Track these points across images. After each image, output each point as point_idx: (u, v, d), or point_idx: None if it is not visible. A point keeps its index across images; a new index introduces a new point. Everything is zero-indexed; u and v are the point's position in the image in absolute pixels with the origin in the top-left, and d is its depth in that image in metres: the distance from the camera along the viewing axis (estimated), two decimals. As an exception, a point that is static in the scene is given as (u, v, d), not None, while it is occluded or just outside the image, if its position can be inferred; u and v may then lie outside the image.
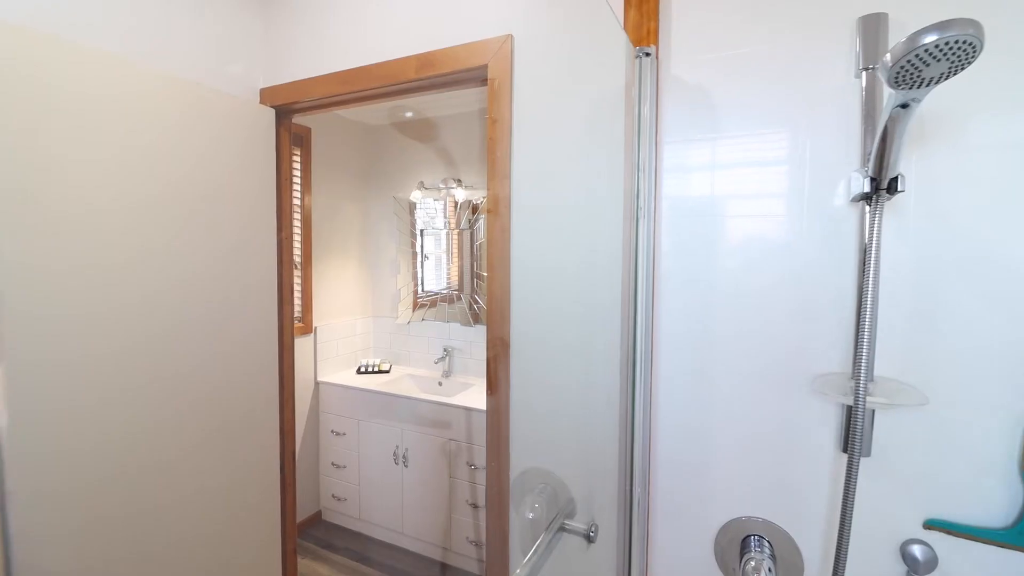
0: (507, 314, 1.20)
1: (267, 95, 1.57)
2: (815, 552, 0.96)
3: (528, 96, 1.16)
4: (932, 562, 0.86)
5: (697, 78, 1.01)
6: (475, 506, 2.53)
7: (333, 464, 2.99)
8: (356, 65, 1.39)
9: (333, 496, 3.00)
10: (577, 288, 1.16)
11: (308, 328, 2.93)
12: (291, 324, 1.67)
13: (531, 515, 1.10)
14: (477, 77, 1.23)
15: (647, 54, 0.99)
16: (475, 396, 2.70)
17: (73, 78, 1.10)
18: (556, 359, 1.17)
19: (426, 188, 3.12)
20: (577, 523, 1.03)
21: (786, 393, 0.97)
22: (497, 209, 1.19)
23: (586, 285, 1.14)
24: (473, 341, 3.08)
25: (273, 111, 1.57)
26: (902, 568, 0.89)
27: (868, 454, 0.90)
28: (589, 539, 1.02)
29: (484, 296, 3.00)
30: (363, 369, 3.16)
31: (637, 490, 1.04)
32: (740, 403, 1.01)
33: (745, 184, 0.98)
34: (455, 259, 3.12)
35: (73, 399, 1.11)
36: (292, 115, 1.62)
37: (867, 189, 0.79)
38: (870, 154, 0.80)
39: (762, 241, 0.97)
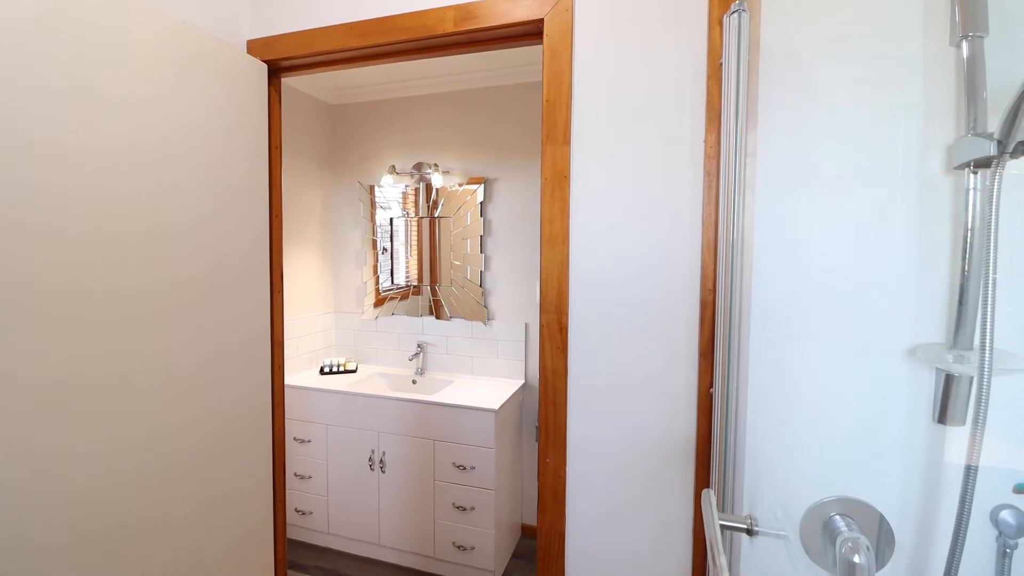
0: (565, 294, 1.09)
1: (256, 48, 1.35)
2: (907, 526, 0.94)
3: (591, 57, 1.06)
4: (1024, 526, 0.87)
5: (788, 42, 0.96)
6: (462, 509, 2.39)
7: (296, 475, 2.71)
8: (375, 15, 1.22)
9: (296, 510, 2.73)
10: (642, 264, 1.07)
11: (266, 325, 2.64)
12: (281, 317, 1.45)
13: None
14: (529, 33, 1.11)
15: (739, 11, 0.93)
16: (458, 392, 2.55)
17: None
18: (617, 343, 1.09)
19: (397, 173, 2.92)
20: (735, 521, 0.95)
21: (874, 365, 0.95)
22: (555, 179, 1.08)
23: (655, 261, 1.06)
24: (449, 335, 2.92)
25: (265, 67, 1.35)
26: (993, 532, 0.90)
27: (963, 423, 0.90)
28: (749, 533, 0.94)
29: (462, 288, 2.86)
30: (327, 369, 2.90)
31: (728, 492, 0.97)
32: (826, 379, 0.97)
33: (836, 153, 0.95)
34: (428, 249, 2.94)
35: (32, 407, 0.87)
36: (285, 74, 1.41)
37: (993, 152, 0.77)
38: (974, 121, 0.79)
39: (851, 210, 0.94)
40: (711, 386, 1.00)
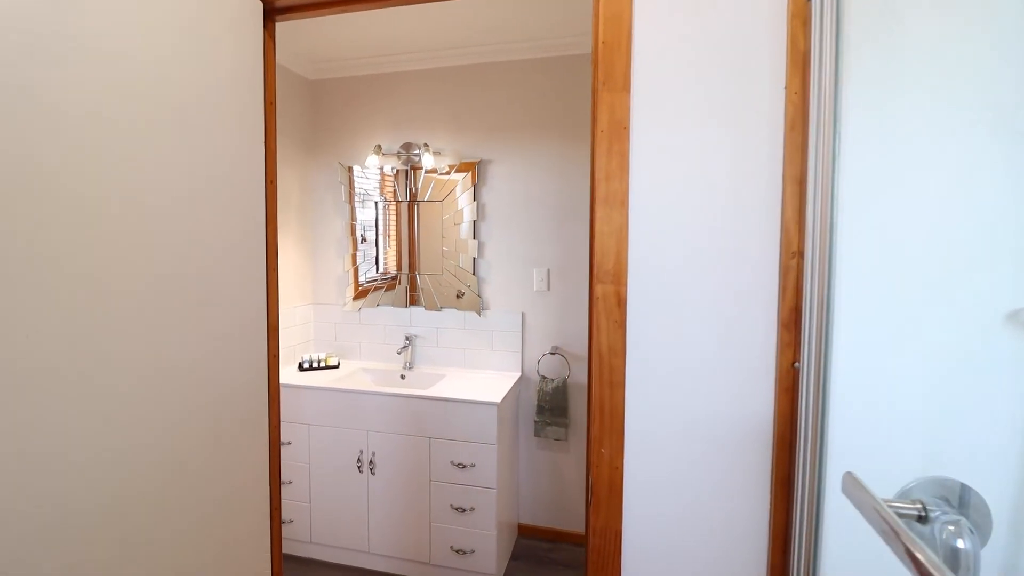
0: (624, 262, 0.96)
1: (247, -17, 1.16)
2: (1002, 502, 0.87)
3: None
4: None
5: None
6: (461, 510, 2.24)
7: (274, 480, 2.48)
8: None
9: (275, 519, 2.49)
10: (712, 226, 0.96)
11: (239, 317, 2.40)
12: (277, 299, 1.27)
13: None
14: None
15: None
16: (453, 386, 2.39)
17: None
18: (682, 316, 0.97)
19: (384, 153, 2.72)
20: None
21: (974, 331, 0.86)
22: (613, 131, 0.95)
23: (727, 223, 0.95)
24: (440, 327, 2.75)
25: (260, 4, 1.16)
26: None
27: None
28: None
29: (453, 276, 2.69)
30: (307, 365, 2.68)
31: (804, 480, 0.87)
32: (923, 348, 0.88)
33: (932, 101, 0.86)
34: (417, 235, 2.76)
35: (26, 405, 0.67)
36: (279, 16, 1.22)
37: None
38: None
39: (948, 162, 0.86)
40: (794, 361, 0.89)
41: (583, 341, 2.55)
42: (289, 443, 2.45)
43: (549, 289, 2.59)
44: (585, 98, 2.47)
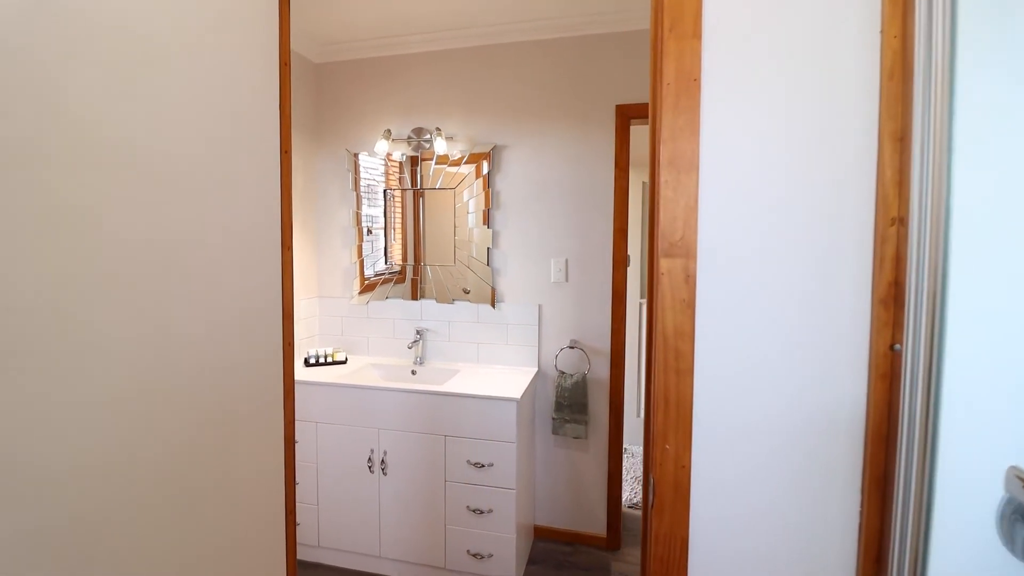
0: (692, 233, 0.85)
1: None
2: None
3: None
4: None
5: None
6: (478, 512, 2.12)
7: (280, 481, 2.35)
8: None
9: (280, 522, 2.37)
10: (792, 194, 0.85)
11: (243, 310, 2.28)
12: (291, 281, 1.15)
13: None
14: None
15: None
16: (468, 382, 2.28)
17: None
18: (758, 293, 0.85)
19: (393, 139, 2.60)
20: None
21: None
22: (681, 84, 0.84)
23: (807, 191, 0.84)
24: (452, 320, 2.64)
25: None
26: None
27: None
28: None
29: (466, 267, 2.58)
30: (313, 361, 2.56)
31: (905, 467, 0.76)
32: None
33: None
34: (427, 225, 2.65)
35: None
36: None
37: None
38: None
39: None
40: (894, 343, 0.78)
41: (603, 334, 2.44)
42: (296, 442, 2.32)
43: (567, 280, 2.47)
44: (605, 80, 2.35)
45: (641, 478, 3.18)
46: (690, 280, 0.85)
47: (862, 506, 0.84)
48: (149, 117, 0.79)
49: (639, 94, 2.32)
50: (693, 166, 0.84)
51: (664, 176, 0.85)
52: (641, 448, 3.62)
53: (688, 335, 0.86)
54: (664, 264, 0.86)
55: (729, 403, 0.87)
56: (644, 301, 3.69)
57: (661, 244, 0.86)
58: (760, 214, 0.84)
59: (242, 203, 0.98)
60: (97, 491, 0.72)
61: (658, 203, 0.87)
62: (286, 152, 1.12)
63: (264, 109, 1.04)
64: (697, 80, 0.84)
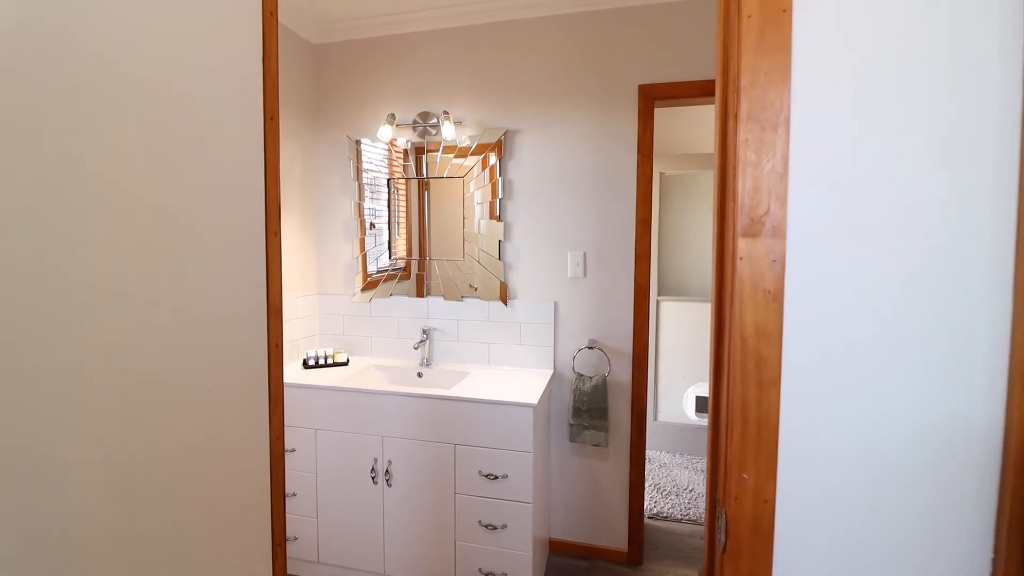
0: (782, 207, 0.67)
1: None
2: None
3: None
4: None
5: None
6: (491, 528, 1.95)
7: (276, 492, 2.19)
8: None
9: (277, 535, 2.20)
10: (905, 151, 0.66)
11: (236, 308, 2.11)
12: (279, 272, 0.98)
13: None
14: None
15: None
16: (479, 385, 2.10)
17: None
18: (862, 280, 0.67)
19: (397, 124, 2.43)
20: None
21: None
22: (766, 15, 0.66)
23: (929, 147, 0.65)
24: (461, 319, 2.46)
25: None
26: None
27: None
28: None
29: (476, 262, 2.40)
30: (312, 362, 2.39)
31: None
32: None
33: None
34: (437, 217, 2.47)
35: None
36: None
37: None
38: None
39: None
40: (1053, 344, 0.59)
41: (624, 333, 2.26)
42: (293, 450, 2.16)
43: (585, 275, 2.29)
44: (627, 59, 2.17)
45: (660, 486, 3.00)
46: (778, 266, 0.67)
47: (1004, 547, 0.65)
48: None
49: (665, 72, 2.14)
50: (782, 120, 0.66)
51: (743, 134, 0.67)
52: (657, 453, 3.43)
53: (774, 336, 0.68)
54: (743, 246, 0.68)
55: (824, 423, 0.69)
56: (661, 299, 3.51)
57: (740, 221, 0.68)
58: (867, 176, 0.66)
59: (214, 176, 0.81)
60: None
61: (734, 168, 0.69)
62: (272, 119, 0.94)
63: (243, 63, 0.87)
64: (787, 11, 0.66)
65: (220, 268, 0.81)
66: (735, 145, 0.69)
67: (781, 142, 0.66)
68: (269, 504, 0.91)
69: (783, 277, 0.67)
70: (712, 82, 2.05)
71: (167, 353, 0.72)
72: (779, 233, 0.67)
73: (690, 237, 3.74)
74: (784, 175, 0.67)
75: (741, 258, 0.68)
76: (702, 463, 3.36)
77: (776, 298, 0.67)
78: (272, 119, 0.93)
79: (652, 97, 2.15)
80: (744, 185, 0.68)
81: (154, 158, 0.70)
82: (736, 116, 0.68)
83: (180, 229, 0.74)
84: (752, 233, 0.68)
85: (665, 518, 2.72)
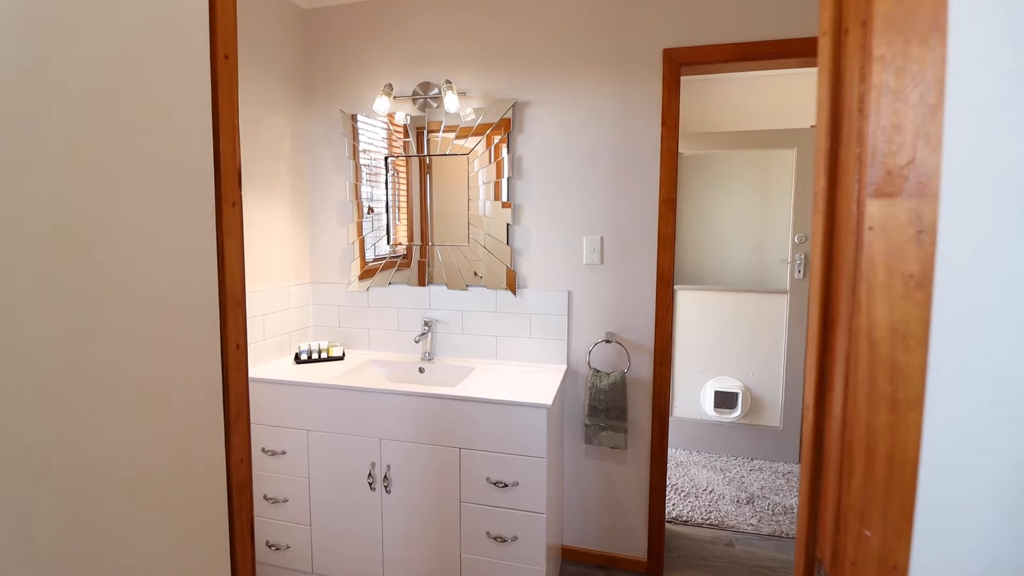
0: (937, 151, 0.46)
1: None
2: None
3: None
4: None
5: None
6: (500, 540, 1.77)
7: (267, 498, 2.02)
8: None
9: (268, 544, 2.04)
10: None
11: (219, 298, 1.92)
12: (240, 250, 0.78)
13: None
14: None
15: None
16: (486, 383, 1.91)
17: None
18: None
19: (396, 97, 2.22)
20: None
21: None
22: None
23: None
24: (465, 310, 2.27)
25: None
26: None
27: None
28: None
29: (482, 247, 2.20)
30: (304, 356, 2.21)
31: None
32: None
33: None
34: (439, 198, 2.27)
35: None
36: None
37: None
38: None
39: None
40: None
41: (645, 325, 2.06)
42: (283, 453, 1.98)
43: (602, 262, 2.09)
44: (649, 19, 1.94)
45: (678, 487, 2.78)
46: (926, 239, 0.47)
47: None
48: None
49: (693, 34, 1.91)
50: (937, 27, 0.45)
51: (879, 48, 0.46)
52: (672, 450, 3.21)
53: (917, 339, 0.47)
54: (874, 210, 0.47)
55: (987, 463, 0.49)
56: (678, 288, 3.29)
57: (870, 173, 0.47)
58: None
59: (132, 126, 0.61)
60: None
61: (863, 99, 0.48)
62: (226, 58, 0.74)
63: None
64: None
65: (144, 251, 0.61)
66: (861, 66, 0.48)
67: (936, 59, 0.46)
68: (228, 552, 0.72)
69: (933, 256, 0.47)
70: (751, 44, 1.83)
71: (67, 359, 0.53)
72: (928, 192, 0.46)
73: (707, 222, 3.52)
74: (938, 108, 0.46)
75: (871, 227, 0.48)
76: (721, 461, 3.17)
77: (922, 285, 0.47)
78: (226, 58, 0.73)
79: (678, 63, 1.93)
80: (877, 122, 0.47)
81: (63, 105, 0.50)
82: (864, 24, 0.48)
83: (87, 200, 0.54)
84: (888, 192, 0.47)
85: (685, 522, 2.54)
